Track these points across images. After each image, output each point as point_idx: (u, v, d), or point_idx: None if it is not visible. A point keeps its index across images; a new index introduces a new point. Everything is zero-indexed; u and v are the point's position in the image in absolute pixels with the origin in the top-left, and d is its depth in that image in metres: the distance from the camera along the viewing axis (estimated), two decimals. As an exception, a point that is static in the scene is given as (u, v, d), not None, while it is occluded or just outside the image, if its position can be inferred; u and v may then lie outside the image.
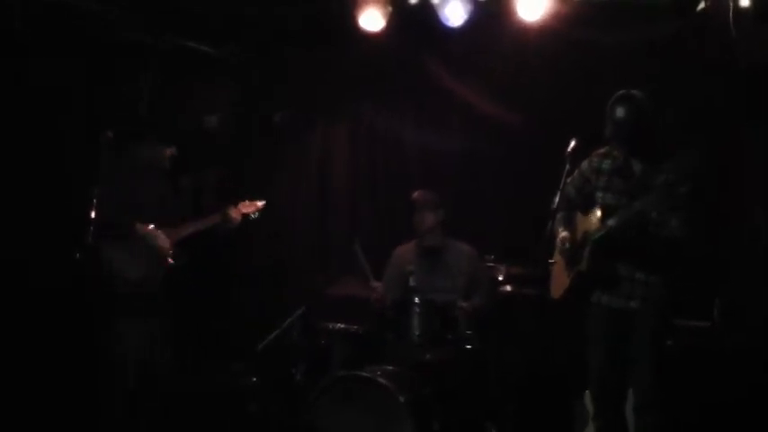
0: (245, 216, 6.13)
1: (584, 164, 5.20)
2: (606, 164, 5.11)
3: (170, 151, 6.07)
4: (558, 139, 5.25)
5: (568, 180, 5.15)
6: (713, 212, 6.32)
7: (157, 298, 5.84)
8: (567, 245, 5.14)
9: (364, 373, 5.52)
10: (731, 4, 6.09)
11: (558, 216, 5.20)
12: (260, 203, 6.22)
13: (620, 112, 4.88)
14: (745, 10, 6.09)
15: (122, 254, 5.73)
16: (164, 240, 5.84)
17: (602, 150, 5.16)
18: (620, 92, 4.95)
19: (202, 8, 6.80)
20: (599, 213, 4.98)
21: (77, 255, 5.29)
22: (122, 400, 5.72)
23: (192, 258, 5.95)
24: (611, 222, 4.84)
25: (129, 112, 6.76)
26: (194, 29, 7.09)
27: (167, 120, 6.68)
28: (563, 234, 5.19)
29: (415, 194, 6.47)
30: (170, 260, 5.82)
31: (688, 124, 6.45)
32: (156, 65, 7.02)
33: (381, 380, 5.41)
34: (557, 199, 5.05)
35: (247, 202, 6.18)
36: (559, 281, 5.27)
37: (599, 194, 5.09)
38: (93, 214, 5.29)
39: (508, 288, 6.43)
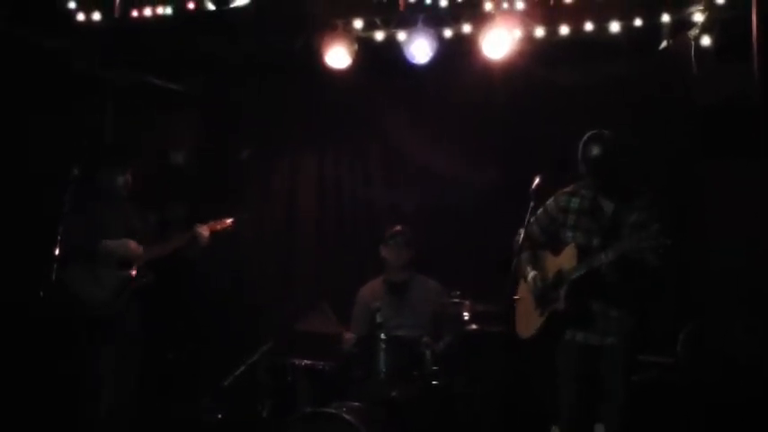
0: (214, 232, 6.09)
1: (551, 203, 5.21)
2: (574, 202, 5.14)
3: (127, 177, 6.01)
4: (522, 176, 5.26)
5: (532, 219, 5.17)
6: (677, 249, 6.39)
7: (125, 322, 5.79)
8: (540, 283, 5.14)
9: (330, 410, 5.52)
10: (693, 43, 6.20)
11: (524, 255, 5.22)
12: (228, 220, 6.20)
13: (595, 150, 4.96)
14: (706, 49, 6.20)
15: (85, 275, 5.70)
16: (134, 247, 5.80)
17: (568, 189, 5.20)
18: (593, 131, 5.03)
19: (167, 44, 6.82)
20: (571, 252, 5.00)
21: (41, 292, 5.26)
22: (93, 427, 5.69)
23: (158, 283, 5.91)
24: (605, 258, 4.78)
25: (94, 144, 6.76)
26: (158, 65, 7.11)
27: (132, 155, 6.68)
28: (533, 273, 5.19)
29: (390, 230, 6.50)
30: (133, 272, 5.77)
31: (649, 161, 6.54)
32: (119, 100, 7.04)
33: (347, 416, 5.41)
34: (521, 236, 5.06)
35: (215, 221, 6.15)
36: (528, 320, 5.24)
37: (569, 234, 5.12)
38: (56, 251, 5.27)
39: (473, 325, 6.44)
